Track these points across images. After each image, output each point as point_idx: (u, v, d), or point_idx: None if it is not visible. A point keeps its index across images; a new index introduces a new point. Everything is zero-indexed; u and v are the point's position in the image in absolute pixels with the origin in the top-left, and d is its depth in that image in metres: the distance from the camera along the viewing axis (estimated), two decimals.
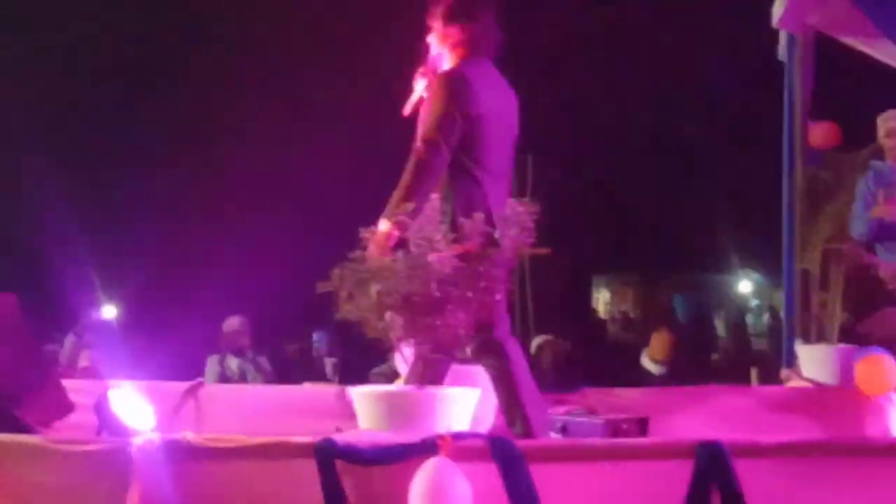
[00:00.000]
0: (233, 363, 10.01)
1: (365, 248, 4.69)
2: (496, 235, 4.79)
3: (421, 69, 5.23)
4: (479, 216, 4.71)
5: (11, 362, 5.51)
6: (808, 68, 7.35)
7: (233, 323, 10.11)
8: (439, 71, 5.14)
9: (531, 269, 9.09)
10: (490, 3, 5.24)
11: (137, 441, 4.07)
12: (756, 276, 20.69)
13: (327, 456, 3.94)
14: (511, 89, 5.33)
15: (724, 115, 13.59)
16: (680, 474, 3.84)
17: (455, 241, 4.64)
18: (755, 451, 3.87)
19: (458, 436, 3.98)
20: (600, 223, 15.21)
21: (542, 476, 3.88)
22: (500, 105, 5.17)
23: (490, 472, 3.88)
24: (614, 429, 5.22)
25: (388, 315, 4.53)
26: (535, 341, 9.90)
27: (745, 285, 21.77)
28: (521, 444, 3.98)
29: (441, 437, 3.91)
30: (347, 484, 3.94)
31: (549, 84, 12.43)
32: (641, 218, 16.07)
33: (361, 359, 9.43)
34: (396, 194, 4.85)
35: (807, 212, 6.91)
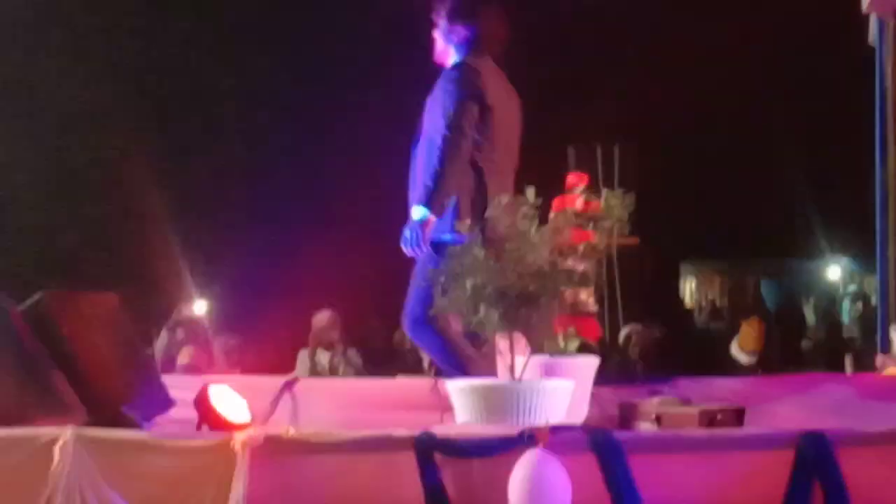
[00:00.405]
0: (323, 357, 10.10)
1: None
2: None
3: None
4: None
5: (116, 360, 5.64)
6: None
7: (322, 317, 10.19)
8: (446, 65, 5.19)
9: (619, 258, 9.05)
10: (493, 1, 5.31)
11: (240, 436, 4.14)
12: (847, 261, 20.36)
13: (427, 449, 3.98)
14: (513, 89, 5.40)
15: (814, 100, 13.41)
16: (781, 465, 3.82)
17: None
18: (859, 440, 3.83)
19: (555, 427, 4.00)
20: (687, 211, 15.10)
21: (640, 467, 3.89)
22: (504, 102, 5.24)
23: (588, 464, 3.89)
24: (710, 419, 5.17)
25: (482, 309, 4.56)
26: (624, 330, 9.86)
27: (834, 271, 21.42)
28: (620, 434, 3.99)
29: (539, 428, 3.93)
30: (447, 476, 3.97)
31: (632, 74, 12.38)
32: (729, 205, 15.91)
33: None
34: (428, 182, 4.97)
35: None
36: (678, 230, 15.21)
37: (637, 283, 10.49)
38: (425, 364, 11.06)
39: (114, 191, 12.49)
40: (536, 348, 4.87)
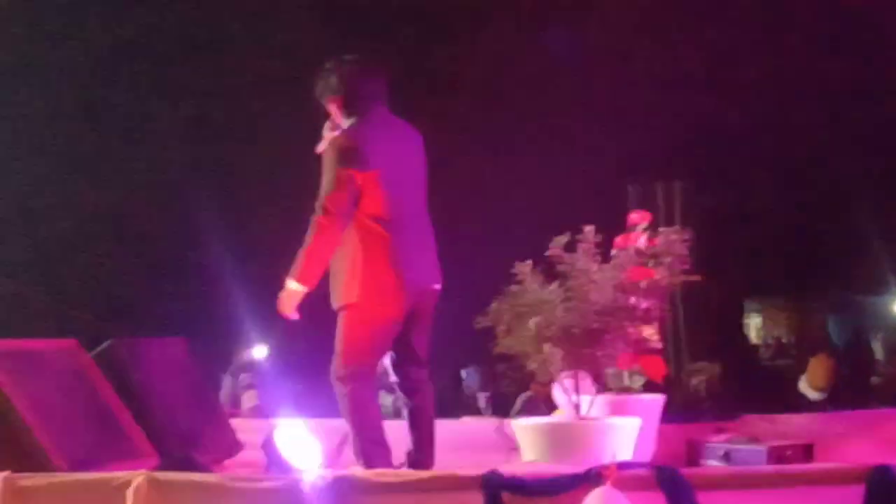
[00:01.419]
0: (386, 400, 10.10)
1: (520, 282, 4.76)
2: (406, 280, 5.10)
3: (329, 122, 5.45)
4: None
5: (184, 403, 5.73)
6: None
7: (384, 361, 10.20)
8: (336, 132, 5.35)
9: (683, 296, 9.01)
10: (361, 67, 5.42)
11: (308, 477, 4.17)
12: None
13: (494, 488, 3.98)
14: (413, 130, 5.48)
15: (881, 132, 13.29)
16: (852, 500, 3.79)
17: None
18: None
19: (622, 465, 3.98)
20: (751, 248, 14.99)
21: (710, 503, 3.87)
22: (397, 155, 5.29)
23: (656, 501, 3.88)
24: (778, 455, 5.15)
25: (546, 347, 4.58)
26: (689, 368, 9.79)
27: None
28: (687, 472, 3.97)
29: (606, 466, 3.92)
30: None
31: (693, 110, 12.36)
32: (794, 241, 15.77)
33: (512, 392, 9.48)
34: (300, 256, 5.15)
35: None
36: (743, 267, 15.09)
37: (702, 321, 10.41)
38: (481, 404, 11.08)
39: (173, 235, 12.63)
40: (601, 386, 4.89)
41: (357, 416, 5.27)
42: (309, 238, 5.15)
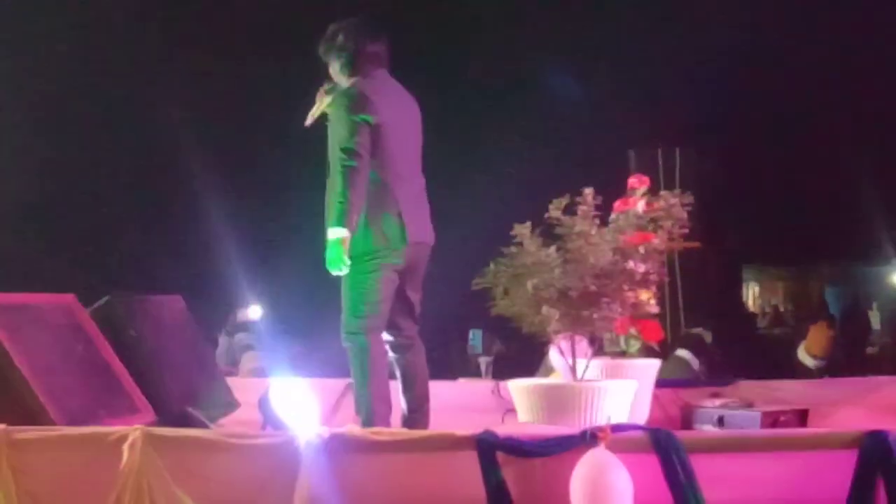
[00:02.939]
0: None
1: (519, 244, 4.77)
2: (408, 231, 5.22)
3: (325, 87, 5.50)
4: None
5: (181, 360, 5.74)
6: None
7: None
8: (345, 85, 5.43)
9: (682, 261, 9.03)
10: (362, 37, 5.48)
11: (304, 435, 4.18)
12: None
13: (489, 448, 4.00)
14: (412, 98, 5.59)
15: (881, 102, 13.25)
16: (843, 465, 3.81)
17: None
18: None
19: (617, 427, 4.01)
20: (750, 215, 14.98)
21: (702, 467, 3.89)
22: (399, 113, 5.42)
23: (650, 464, 3.90)
24: (773, 420, 5.18)
25: (544, 309, 4.59)
26: (685, 333, 9.81)
27: None
28: (682, 434, 3.99)
29: (601, 428, 3.94)
30: (508, 475, 3.98)
31: (693, 77, 12.31)
32: (793, 209, 15.76)
33: (518, 357, 9.48)
34: (339, 203, 5.16)
35: None
36: (741, 234, 15.09)
37: (699, 287, 10.44)
38: (482, 368, 11.10)
39: (171, 192, 12.61)
40: (597, 349, 4.91)
41: (371, 369, 5.31)
42: (342, 185, 5.17)
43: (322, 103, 5.49)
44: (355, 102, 5.29)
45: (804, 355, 9.35)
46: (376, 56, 5.49)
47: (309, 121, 5.52)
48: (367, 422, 5.10)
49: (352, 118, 5.24)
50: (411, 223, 5.32)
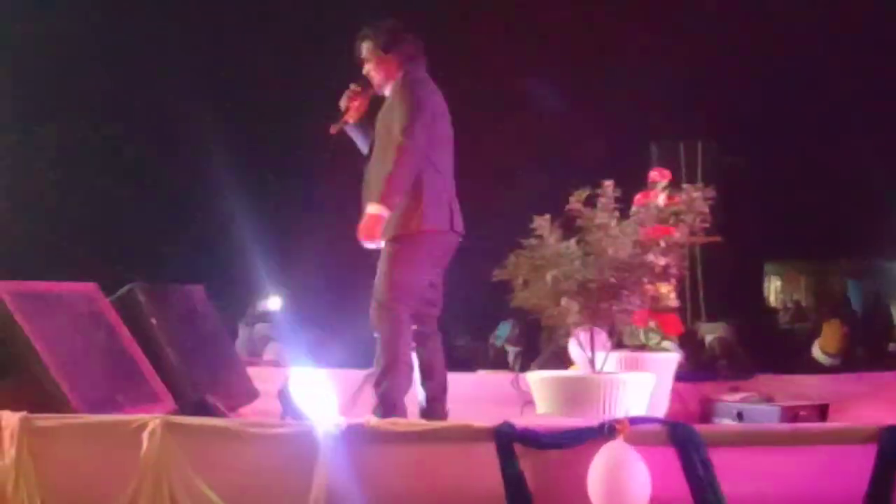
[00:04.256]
0: None
1: (539, 236, 4.77)
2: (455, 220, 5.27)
3: (354, 87, 5.55)
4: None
5: (202, 350, 5.76)
6: None
7: None
8: (398, 79, 5.45)
9: (703, 255, 9.00)
10: (404, 35, 5.57)
11: (322, 425, 4.19)
12: None
13: (506, 439, 4.00)
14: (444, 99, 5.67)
15: None
16: (863, 460, 3.79)
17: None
18: None
19: (635, 420, 4.00)
20: (772, 210, 14.92)
21: (721, 461, 3.88)
22: (443, 112, 5.50)
23: (668, 456, 3.89)
24: (792, 415, 5.16)
25: (563, 301, 4.59)
26: (705, 328, 9.78)
27: None
28: (701, 428, 3.97)
29: (619, 420, 3.94)
30: (526, 467, 3.98)
31: (718, 70, 12.27)
32: (815, 205, 15.68)
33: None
34: (387, 181, 5.18)
35: None
36: (763, 229, 15.03)
37: (720, 281, 10.40)
38: (510, 359, 11.09)
39: (193, 184, 12.63)
40: (617, 342, 4.90)
41: (401, 340, 5.32)
42: (396, 165, 5.20)
43: (353, 106, 5.55)
44: (422, 87, 5.37)
45: (819, 352, 9.30)
46: (418, 54, 5.57)
47: (335, 129, 5.56)
48: (386, 396, 5.14)
49: (416, 102, 5.30)
50: (456, 212, 5.38)
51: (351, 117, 5.58)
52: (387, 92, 5.55)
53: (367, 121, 5.61)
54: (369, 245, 5.27)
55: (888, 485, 3.72)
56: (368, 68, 5.55)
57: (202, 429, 4.39)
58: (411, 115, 5.27)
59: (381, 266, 5.36)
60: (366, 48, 5.56)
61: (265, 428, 4.32)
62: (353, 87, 5.57)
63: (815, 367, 9.05)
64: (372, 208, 5.20)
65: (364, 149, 5.66)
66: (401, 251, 5.29)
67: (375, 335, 5.36)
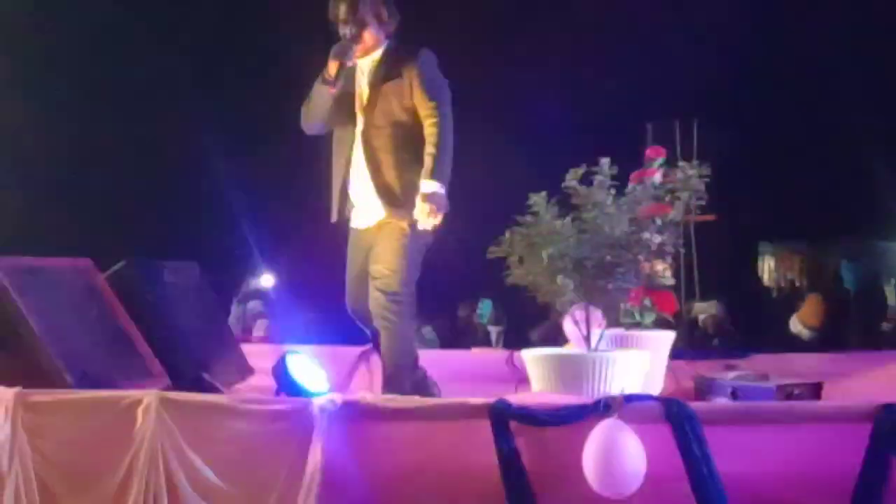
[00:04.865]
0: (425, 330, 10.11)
1: (535, 213, 4.75)
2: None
3: (353, 50, 5.36)
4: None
5: (196, 327, 5.76)
6: None
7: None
8: (419, 48, 5.39)
9: (697, 234, 8.99)
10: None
11: (318, 401, 4.19)
12: None
13: (502, 416, 4.00)
14: None
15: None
16: (857, 438, 3.80)
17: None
18: None
19: (630, 397, 4.00)
20: (767, 189, 14.92)
21: (715, 439, 3.88)
22: None
23: (663, 434, 3.89)
24: (787, 393, 5.16)
25: (559, 279, 4.58)
26: (698, 306, 9.81)
27: None
28: (695, 406, 3.98)
29: (614, 398, 3.94)
30: (521, 444, 3.98)
31: (714, 48, 12.24)
32: (810, 184, 15.68)
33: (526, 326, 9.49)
34: (440, 157, 5.16)
35: None
36: (758, 208, 15.03)
37: (715, 259, 10.40)
38: (493, 338, 11.12)
39: (186, 161, 12.60)
40: (612, 320, 4.90)
41: (412, 332, 5.37)
42: (444, 140, 5.19)
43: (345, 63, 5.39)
44: (437, 64, 5.38)
45: (797, 325, 9.29)
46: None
47: (337, 86, 5.39)
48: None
49: (442, 78, 5.34)
50: None
51: (340, 77, 5.36)
52: (364, 59, 5.44)
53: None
54: (430, 225, 5.19)
55: (883, 463, 3.73)
56: (359, 31, 5.38)
57: (197, 404, 4.39)
58: (443, 92, 5.29)
59: (389, 253, 5.28)
60: (360, 8, 5.39)
61: (260, 404, 4.32)
62: (346, 43, 5.37)
63: (793, 341, 9.03)
64: (432, 185, 5.13)
65: (327, 114, 5.49)
66: (414, 238, 5.27)
67: (383, 325, 5.32)
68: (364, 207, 5.42)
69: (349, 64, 5.39)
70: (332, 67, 5.35)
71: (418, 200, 5.16)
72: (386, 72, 5.40)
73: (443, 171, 5.17)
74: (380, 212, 5.34)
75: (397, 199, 5.29)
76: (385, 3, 5.45)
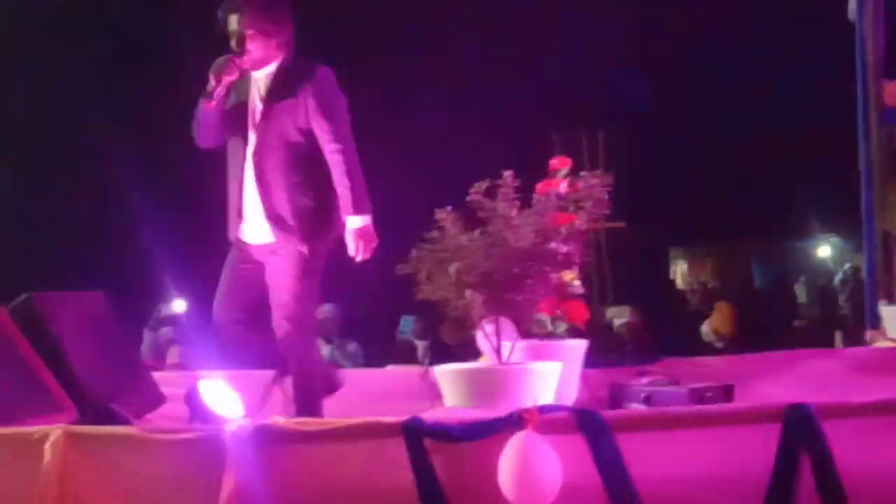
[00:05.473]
0: (323, 350, 10.08)
1: (441, 229, 4.75)
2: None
3: (233, 60, 5.20)
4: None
5: (104, 357, 5.64)
6: (880, 27, 7.24)
7: (323, 310, 10.15)
8: (315, 66, 5.23)
9: (607, 241, 9.07)
10: (287, 8, 5.35)
11: (229, 427, 4.14)
12: (836, 240, 20.43)
13: (415, 434, 3.98)
14: None
15: (798, 79, 13.42)
16: (768, 439, 3.83)
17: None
18: (843, 412, 3.85)
19: (543, 409, 4.00)
20: (675, 194, 15.13)
21: (629, 446, 3.90)
22: None
23: (577, 444, 3.90)
24: (699, 397, 5.20)
25: (468, 293, 4.58)
26: (611, 312, 9.89)
27: (825, 250, 21.49)
28: (608, 414, 4.00)
29: (527, 410, 3.93)
30: (437, 461, 3.96)
31: (618, 58, 12.38)
32: (717, 187, 15.94)
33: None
34: (359, 189, 5.06)
35: (885, 172, 6.85)
36: (667, 213, 15.24)
37: (625, 266, 10.50)
38: (419, 354, 11.10)
39: (93, 188, 12.43)
40: (523, 332, 4.90)
41: (316, 353, 5.37)
42: (354, 169, 5.07)
43: (226, 80, 5.20)
44: (336, 83, 5.22)
45: (708, 333, 9.40)
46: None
47: (210, 102, 5.21)
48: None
49: (342, 100, 5.18)
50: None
51: (220, 92, 5.20)
52: (259, 73, 5.26)
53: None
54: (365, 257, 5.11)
55: (793, 463, 3.77)
56: (244, 44, 5.19)
57: (106, 437, 4.31)
58: (343, 115, 5.15)
59: (288, 279, 5.16)
60: (245, 20, 5.18)
61: (170, 434, 4.25)
62: (228, 57, 5.18)
63: (705, 348, 9.15)
64: (359, 220, 5.05)
65: (214, 129, 5.33)
66: (311, 262, 5.16)
67: (289, 349, 5.26)
68: (254, 226, 5.31)
69: (230, 78, 5.20)
70: (212, 82, 5.18)
71: (348, 238, 5.08)
72: (278, 89, 5.20)
73: (363, 201, 5.07)
74: (270, 236, 5.24)
75: (287, 225, 5.13)
76: (274, 14, 5.23)
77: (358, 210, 5.05)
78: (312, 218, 5.14)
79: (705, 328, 9.43)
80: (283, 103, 5.18)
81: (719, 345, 9.14)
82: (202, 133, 5.37)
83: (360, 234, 5.05)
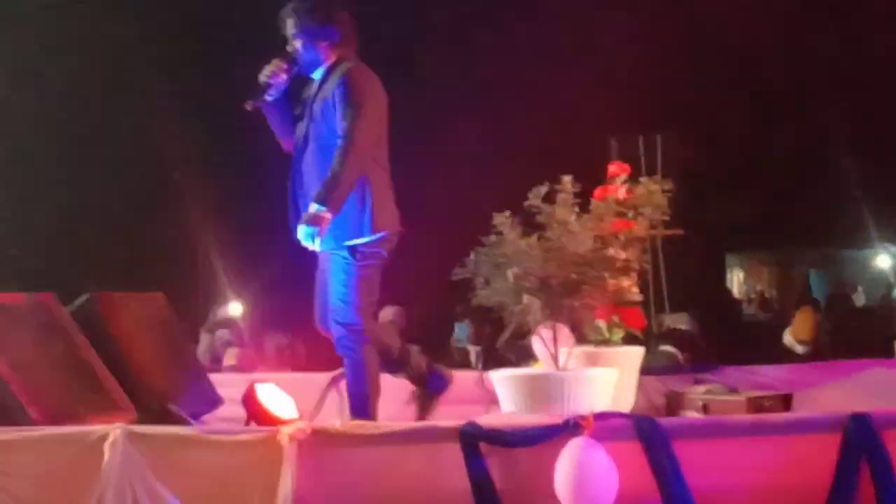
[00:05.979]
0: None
1: (499, 233, 4.74)
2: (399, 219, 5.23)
3: (279, 64, 5.27)
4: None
5: (163, 358, 5.71)
6: None
7: (384, 314, 10.15)
8: (347, 66, 5.22)
9: (664, 249, 9.01)
10: (338, 13, 5.36)
11: (287, 430, 4.16)
12: (895, 250, 20.17)
13: (472, 439, 3.99)
14: None
15: (864, 85, 13.25)
16: (828, 449, 3.80)
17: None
18: None
19: (600, 415, 3.99)
20: (734, 201, 14.98)
21: (686, 454, 3.88)
22: (386, 103, 5.33)
23: (634, 451, 3.89)
24: (757, 406, 5.16)
25: (525, 298, 4.57)
26: (668, 320, 9.80)
27: (884, 260, 21.21)
28: (665, 422, 3.98)
29: (583, 417, 3.93)
30: (492, 466, 3.98)
31: (678, 62, 12.30)
32: (776, 195, 15.77)
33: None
34: (333, 183, 5.03)
35: None
36: (725, 220, 15.10)
37: (683, 274, 10.42)
38: (472, 358, 11.06)
39: (152, 191, 12.53)
40: (580, 338, 4.89)
41: (372, 358, 5.28)
42: (340, 168, 5.04)
43: (273, 82, 5.30)
44: (366, 82, 5.18)
45: (791, 341, 9.34)
46: (353, 31, 5.36)
47: (252, 104, 5.30)
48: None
49: (361, 100, 5.10)
50: (397, 209, 5.30)
51: (270, 94, 5.30)
52: (315, 74, 5.34)
53: (287, 100, 5.39)
54: (309, 246, 5.12)
55: (853, 474, 3.73)
56: (296, 47, 5.31)
57: (164, 437, 4.35)
58: (356, 115, 5.08)
59: (338, 284, 5.20)
60: (292, 24, 5.30)
61: (228, 435, 4.28)
62: (275, 61, 5.29)
63: (783, 356, 9.07)
64: (318, 208, 5.04)
65: (280, 131, 5.44)
66: (357, 264, 5.18)
67: (344, 354, 5.28)
68: None
69: (278, 80, 5.28)
70: (261, 84, 5.31)
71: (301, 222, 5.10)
72: (319, 91, 5.27)
73: (331, 197, 5.03)
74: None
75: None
76: (321, 18, 5.28)
77: (321, 200, 5.04)
78: (352, 220, 5.16)
79: (786, 335, 9.35)
80: (322, 105, 5.24)
81: (801, 351, 9.04)
82: (277, 135, 5.47)
83: (309, 219, 5.04)
